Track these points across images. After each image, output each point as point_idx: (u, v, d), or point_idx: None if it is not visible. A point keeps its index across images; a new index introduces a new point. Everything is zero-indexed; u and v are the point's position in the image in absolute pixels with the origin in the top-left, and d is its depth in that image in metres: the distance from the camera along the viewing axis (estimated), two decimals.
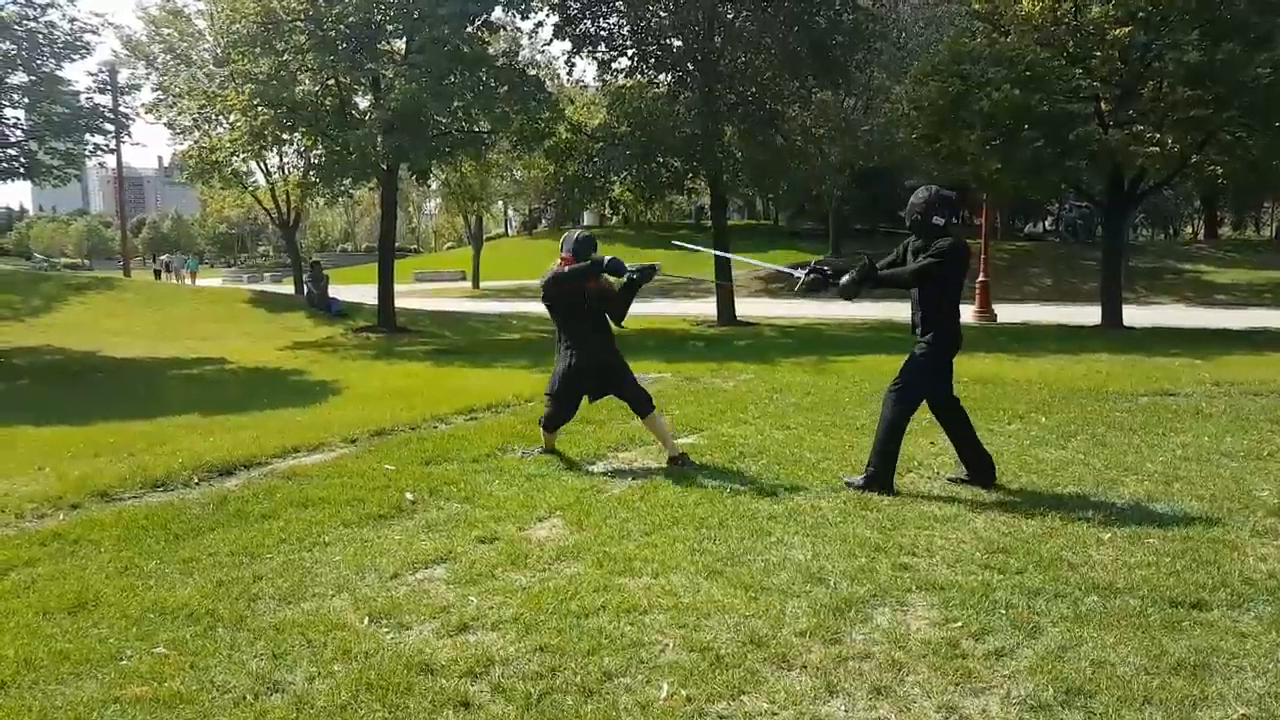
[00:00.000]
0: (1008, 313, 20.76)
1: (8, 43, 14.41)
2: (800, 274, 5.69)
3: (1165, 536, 4.71)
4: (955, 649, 3.47)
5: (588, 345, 6.56)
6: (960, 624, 3.68)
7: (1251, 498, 5.43)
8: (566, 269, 6.48)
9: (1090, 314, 18.55)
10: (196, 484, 6.15)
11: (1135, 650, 3.43)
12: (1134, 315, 18.71)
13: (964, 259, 5.50)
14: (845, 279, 5.44)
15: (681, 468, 6.29)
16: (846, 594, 3.98)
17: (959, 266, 5.49)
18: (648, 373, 11.40)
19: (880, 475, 5.62)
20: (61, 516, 5.40)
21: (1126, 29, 14.74)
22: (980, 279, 20.52)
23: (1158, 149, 14.62)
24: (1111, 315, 17.39)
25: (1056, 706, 3.06)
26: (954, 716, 3.03)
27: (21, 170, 15.70)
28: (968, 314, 20.33)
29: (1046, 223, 58.35)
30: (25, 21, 14.68)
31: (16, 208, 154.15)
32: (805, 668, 3.34)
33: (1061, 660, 3.36)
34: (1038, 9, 15.56)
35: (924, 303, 5.58)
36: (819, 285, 5.64)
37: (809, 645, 3.51)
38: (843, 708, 3.09)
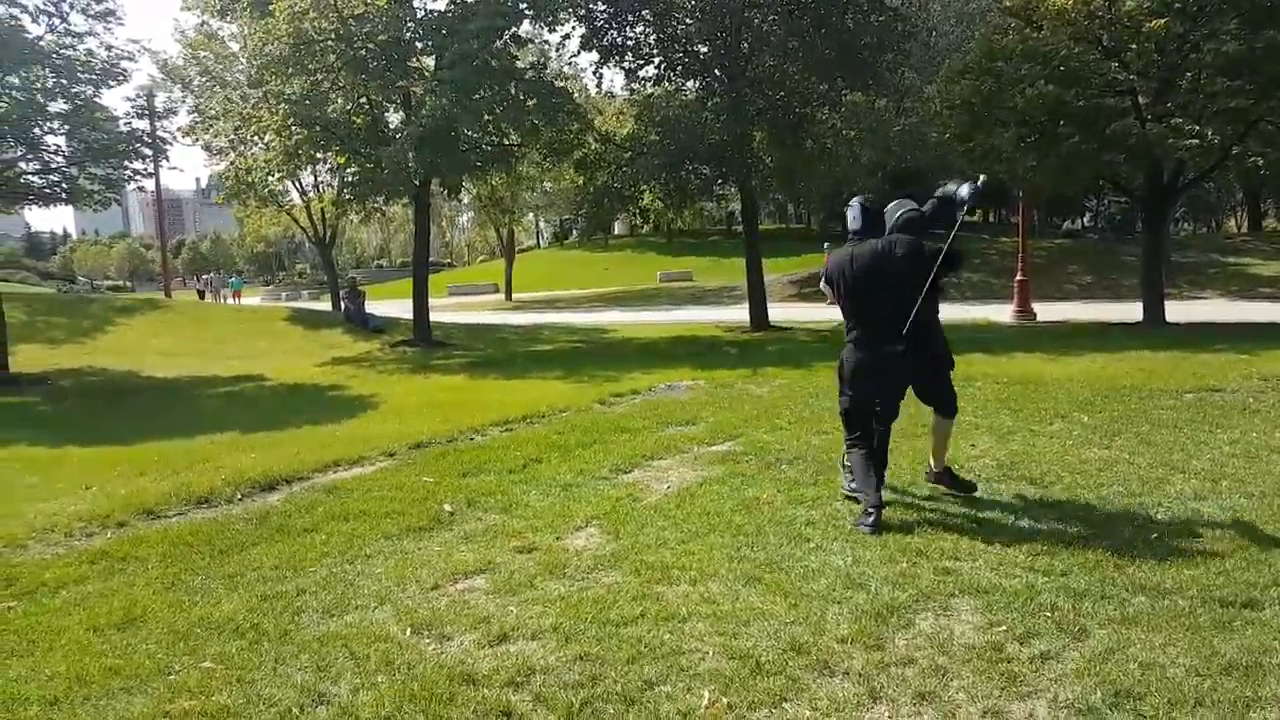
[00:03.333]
0: (1047, 311, 20.48)
1: (47, 71, 14.73)
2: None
3: (1214, 535, 4.62)
4: (1000, 653, 3.42)
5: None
6: (1005, 627, 3.63)
7: None
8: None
9: (1132, 310, 18.25)
10: (239, 500, 6.24)
11: (1185, 651, 3.36)
12: (1177, 311, 18.38)
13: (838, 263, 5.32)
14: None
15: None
16: (888, 599, 3.94)
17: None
18: (681, 380, 11.42)
19: (866, 504, 5.04)
20: (109, 534, 5.50)
21: (1162, 20, 14.50)
22: (1019, 277, 20.29)
23: (1197, 141, 14.35)
24: (1154, 311, 17.08)
25: (1105, 710, 3.01)
26: None
27: (63, 195, 16.04)
28: (1006, 313, 20.13)
29: (1085, 219, 57.57)
30: (63, 50, 15.00)
31: (60, 231, 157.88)
32: (847, 674, 3.31)
33: (1109, 662, 3.31)
34: (1071, 3, 15.36)
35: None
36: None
37: (851, 651, 3.48)
38: (886, 714, 3.05)
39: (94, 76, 15.13)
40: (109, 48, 15.59)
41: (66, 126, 15.38)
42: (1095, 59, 15.36)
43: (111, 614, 4.11)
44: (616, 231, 64.84)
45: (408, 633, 3.83)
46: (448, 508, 5.70)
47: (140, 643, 3.81)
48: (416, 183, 17.85)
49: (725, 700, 3.14)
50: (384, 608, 4.13)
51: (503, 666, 3.46)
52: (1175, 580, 4.03)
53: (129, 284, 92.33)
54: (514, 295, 39.70)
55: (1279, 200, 55.82)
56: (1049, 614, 3.73)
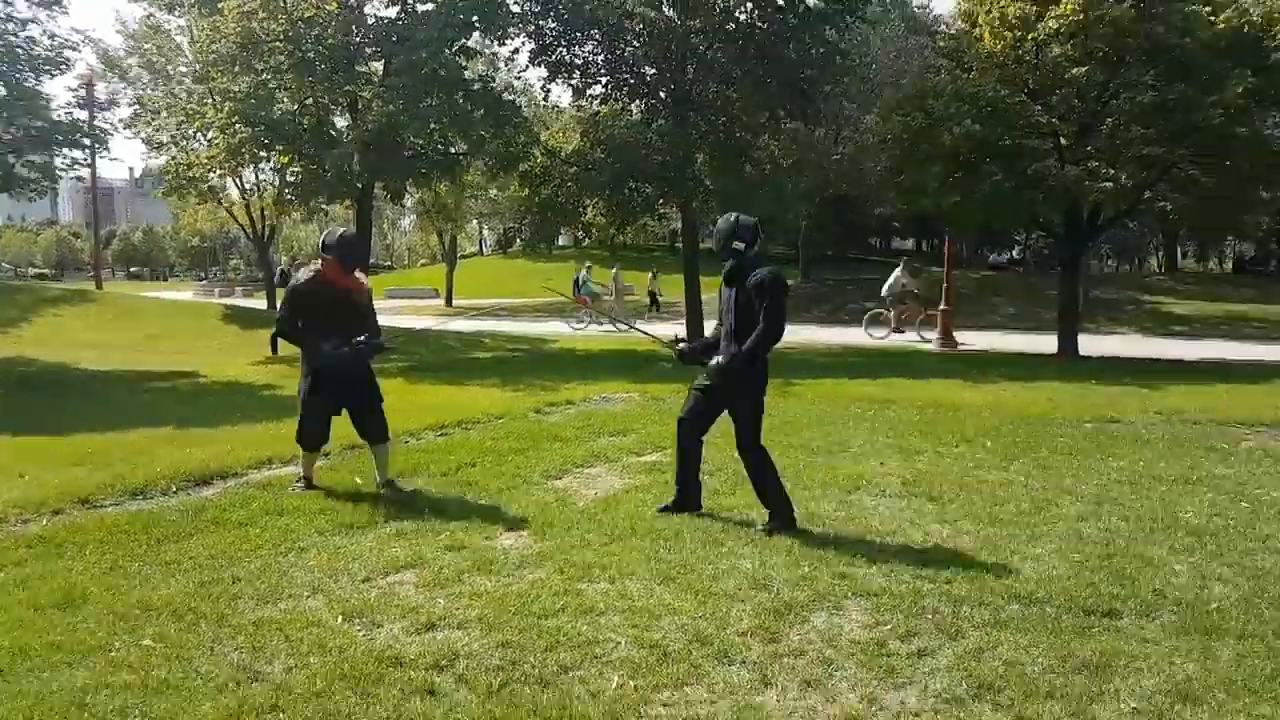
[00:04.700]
0: (970, 340, 21.23)
1: None
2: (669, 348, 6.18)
3: (1089, 552, 5.06)
4: (882, 648, 3.80)
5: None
6: (889, 626, 4.01)
7: (1175, 518, 5.79)
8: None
9: (1050, 342, 19.03)
10: (175, 493, 6.37)
11: (1045, 652, 3.77)
12: (1092, 344, 19.21)
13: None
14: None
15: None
16: (788, 598, 4.29)
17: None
18: (616, 392, 11.72)
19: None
20: (45, 521, 5.60)
21: (1084, 69, 15.31)
22: (943, 306, 20.98)
23: (1111, 184, 15.15)
24: (1067, 344, 17.85)
25: (968, 700, 3.39)
26: (875, 707, 3.35)
27: None
28: (929, 340, 20.84)
29: (1014, 252, 59.43)
30: (5, 36, 14.83)
31: None
32: (744, 663, 3.65)
33: (978, 660, 3.69)
34: (999, 47, 16.12)
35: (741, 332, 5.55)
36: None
37: (749, 643, 3.82)
38: (775, 698, 3.40)
39: (36, 64, 14.97)
40: (52, 36, 15.47)
41: (4, 114, 15.18)
42: (1020, 101, 16.12)
43: (52, 594, 4.27)
44: (560, 242, 64.93)
45: (339, 620, 4.06)
46: (380, 507, 5.91)
47: (81, 622, 3.99)
48: (359, 186, 17.93)
49: (633, 683, 3.46)
50: (317, 597, 4.36)
51: (429, 651, 3.73)
52: (1047, 590, 4.45)
53: (55, 273, 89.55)
54: (455, 301, 39.63)
55: (1199, 242, 58.27)
56: (930, 616, 4.12)
